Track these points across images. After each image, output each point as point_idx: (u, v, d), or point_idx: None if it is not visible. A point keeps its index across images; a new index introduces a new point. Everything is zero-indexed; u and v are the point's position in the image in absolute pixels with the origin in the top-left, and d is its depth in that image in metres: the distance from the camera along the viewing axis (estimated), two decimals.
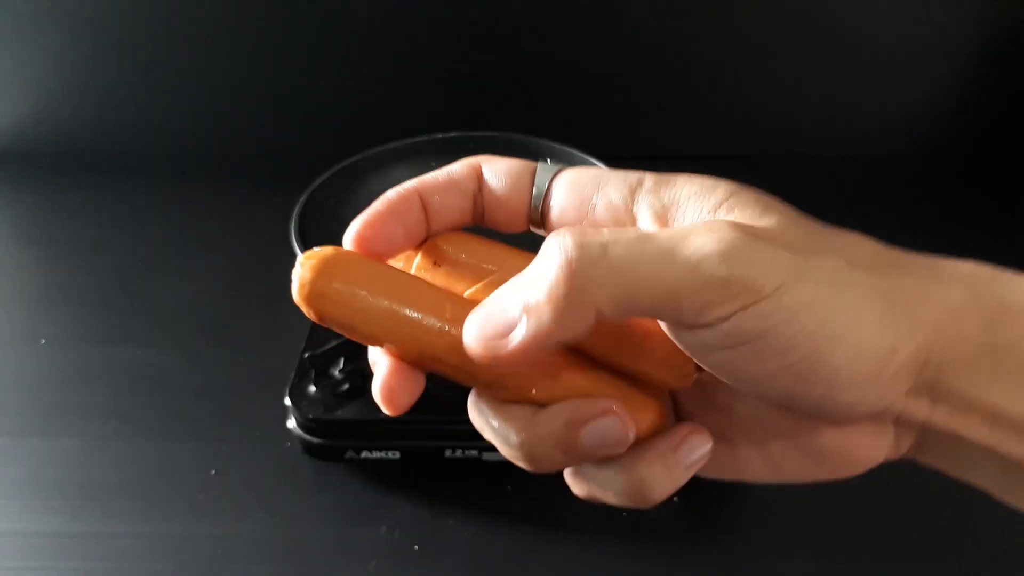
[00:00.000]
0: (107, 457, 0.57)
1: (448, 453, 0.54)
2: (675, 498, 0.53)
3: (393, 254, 0.27)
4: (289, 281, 0.25)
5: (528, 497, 0.54)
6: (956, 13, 0.87)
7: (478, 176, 0.27)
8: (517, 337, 0.22)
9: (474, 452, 0.54)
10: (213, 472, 0.56)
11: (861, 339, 0.22)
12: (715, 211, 0.24)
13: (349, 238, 0.26)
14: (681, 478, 0.25)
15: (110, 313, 0.71)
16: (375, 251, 0.26)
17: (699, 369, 0.25)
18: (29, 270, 0.79)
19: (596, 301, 0.21)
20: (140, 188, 0.90)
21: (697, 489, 0.54)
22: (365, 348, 0.28)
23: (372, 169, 0.69)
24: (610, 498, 0.26)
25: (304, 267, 0.25)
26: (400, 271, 0.27)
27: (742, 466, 0.27)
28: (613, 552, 0.51)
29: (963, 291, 0.24)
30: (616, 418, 0.24)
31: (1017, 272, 0.24)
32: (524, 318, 0.22)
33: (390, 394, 0.25)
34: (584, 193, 0.26)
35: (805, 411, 0.24)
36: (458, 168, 0.27)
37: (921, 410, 0.24)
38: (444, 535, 0.52)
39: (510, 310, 0.22)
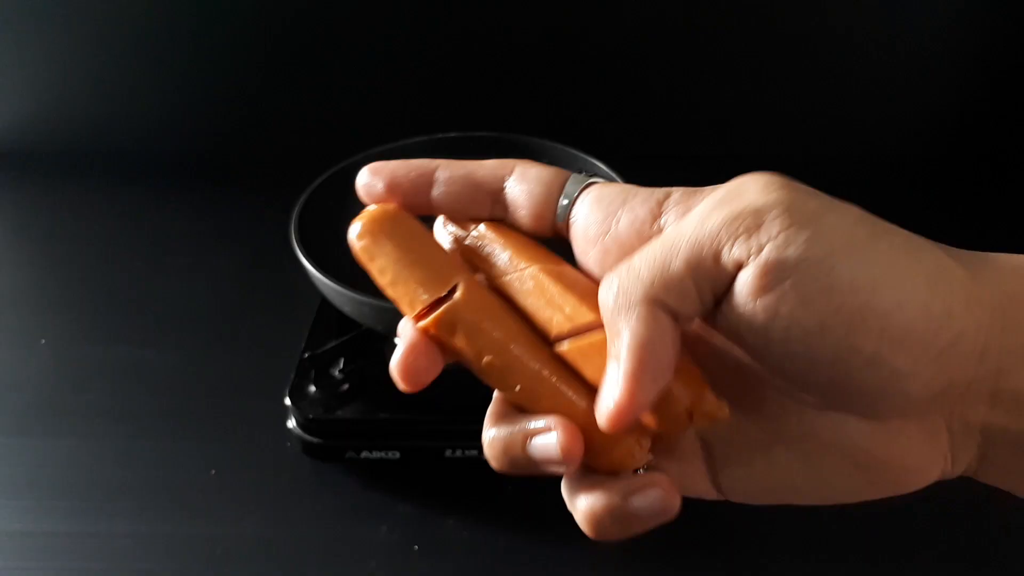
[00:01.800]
0: (107, 457, 0.57)
1: (448, 453, 0.54)
2: None
3: (386, 199, 0.28)
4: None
5: (528, 497, 0.54)
6: (957, 18, 0.87)
7: (504, 176, 0.27)
8: (624, 401, 0.23)
9: (474, 452, 0.53)
10: (213, 472, 0.56)
11: (907, 289, 0.21)
12: None
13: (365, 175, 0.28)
14: (628, 527, 0.24)
15: (110, 313, 0.71)
16: (380, 188, 0.27)
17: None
18: (29, 270, 0.79)
19: (645, 295, 0.22)
20: (140, 188, 0.90)
21: None
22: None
23: None
24: (576, 516, 0.26)
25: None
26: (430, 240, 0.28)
27: (788, 487, 0.26)
28: (612, 552, 0.51)
29: (1019, 280, 0.22)
30: (556, 435, 0.24)
31: None
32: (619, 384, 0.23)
33: (408, 370, 0.26)
34: (610, 207, 0.26)
35: (859, 390, 0.22)
36: (489, 165, 0.28)
37: (978, 412, 0.22)
38: (444, 535, 0.52)
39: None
